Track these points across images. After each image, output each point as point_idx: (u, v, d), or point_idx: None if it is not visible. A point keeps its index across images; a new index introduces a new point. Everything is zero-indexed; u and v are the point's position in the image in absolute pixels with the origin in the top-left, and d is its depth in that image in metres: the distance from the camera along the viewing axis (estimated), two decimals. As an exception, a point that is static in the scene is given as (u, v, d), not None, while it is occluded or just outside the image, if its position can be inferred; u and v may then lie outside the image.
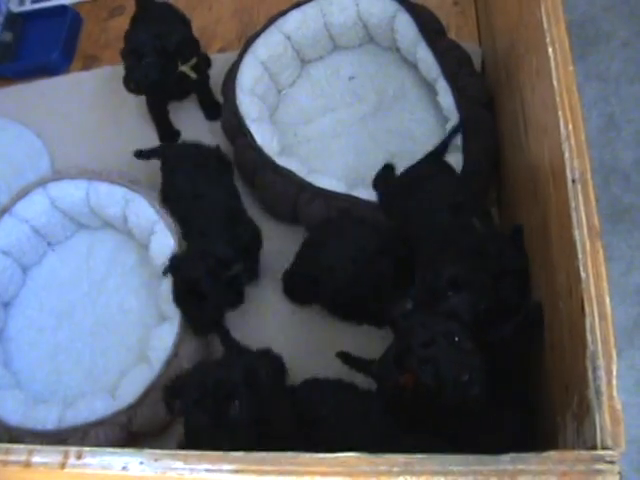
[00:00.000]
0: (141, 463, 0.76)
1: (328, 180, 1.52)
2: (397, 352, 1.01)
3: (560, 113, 0.93)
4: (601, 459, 0.68)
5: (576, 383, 0.81)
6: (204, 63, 1.75)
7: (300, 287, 1.46)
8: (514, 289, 1.13)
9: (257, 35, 1.75)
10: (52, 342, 1.59)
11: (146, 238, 1.55)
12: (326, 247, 1.37)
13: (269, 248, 1.52)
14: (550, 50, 0.99)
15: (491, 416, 1.00)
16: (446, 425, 0.99)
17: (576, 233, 0.84)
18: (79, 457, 0.78)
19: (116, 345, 1.54)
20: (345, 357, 1.29)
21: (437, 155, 1.46)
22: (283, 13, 1.76)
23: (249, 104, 1.66)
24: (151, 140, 1.79)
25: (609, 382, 0.74)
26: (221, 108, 1.74)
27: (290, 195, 1.51)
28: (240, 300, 1.41)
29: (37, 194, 1.63)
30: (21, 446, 0.82)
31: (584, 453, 0.70)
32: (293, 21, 1.74)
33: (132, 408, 1.34)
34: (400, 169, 1.50)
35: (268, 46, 1.73)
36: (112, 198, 1.59)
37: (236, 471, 0.72)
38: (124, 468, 0.76)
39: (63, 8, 2.15)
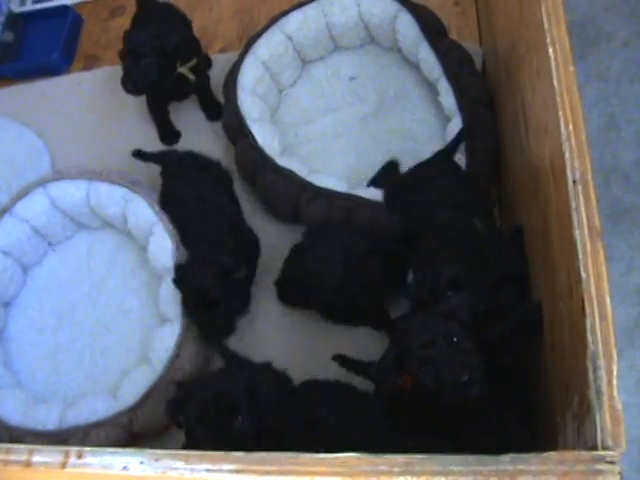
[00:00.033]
0: (142, 463, 0.76)
1: (329, 180, 1.52)
2: (396, 354, 1.01)
3: (561, 113, 0.93)
4: (601, 459, 0.69)
5: (576, 383, 0.81)
6: (204, 64, 1.75)
7: (292, 293, 1.46)
8: (513, 293, 1.13)
9: (258, 35, 1.75)
10: (52, 342, 1.59)
11: (145, 239, 1.55)
12: (313, 252, 1.37)
13: (270, 248, 1.52)
14: (551, 50, 0.99)
15: (491, 416, 1.01)
16: (446, 425, 0.99)
17: (577, 233, 0.84)
18: (80, 457, 0.78)
19: (116, 345, 1.54)
20: (342, 360, 1.29)
21: (447, 154, 1.46)
22: (284, 13, 1.76)
23: (250, 104, 1.66)
24: (151, 140, 1.79)
25: (609, 382, 0.74)
26: (222, 108, 1.74)
27: (291, 195, 1.51)
28: (247, 304, 1.41)
29: (37, 194, 1.64)
30: (22, 446, 0.82)
31: (584, 453, 0.70)
32: (294, 21, 1.74)
33: (133, 409, 1.34)
34: (401, 169, 1.50)
35: (269, 46, 1.73)
36: (112, 198, 1.59)
37: (236, 471, 0.72)
38: (125, 468, 0.76)
39: (64, 8, 2.15)
